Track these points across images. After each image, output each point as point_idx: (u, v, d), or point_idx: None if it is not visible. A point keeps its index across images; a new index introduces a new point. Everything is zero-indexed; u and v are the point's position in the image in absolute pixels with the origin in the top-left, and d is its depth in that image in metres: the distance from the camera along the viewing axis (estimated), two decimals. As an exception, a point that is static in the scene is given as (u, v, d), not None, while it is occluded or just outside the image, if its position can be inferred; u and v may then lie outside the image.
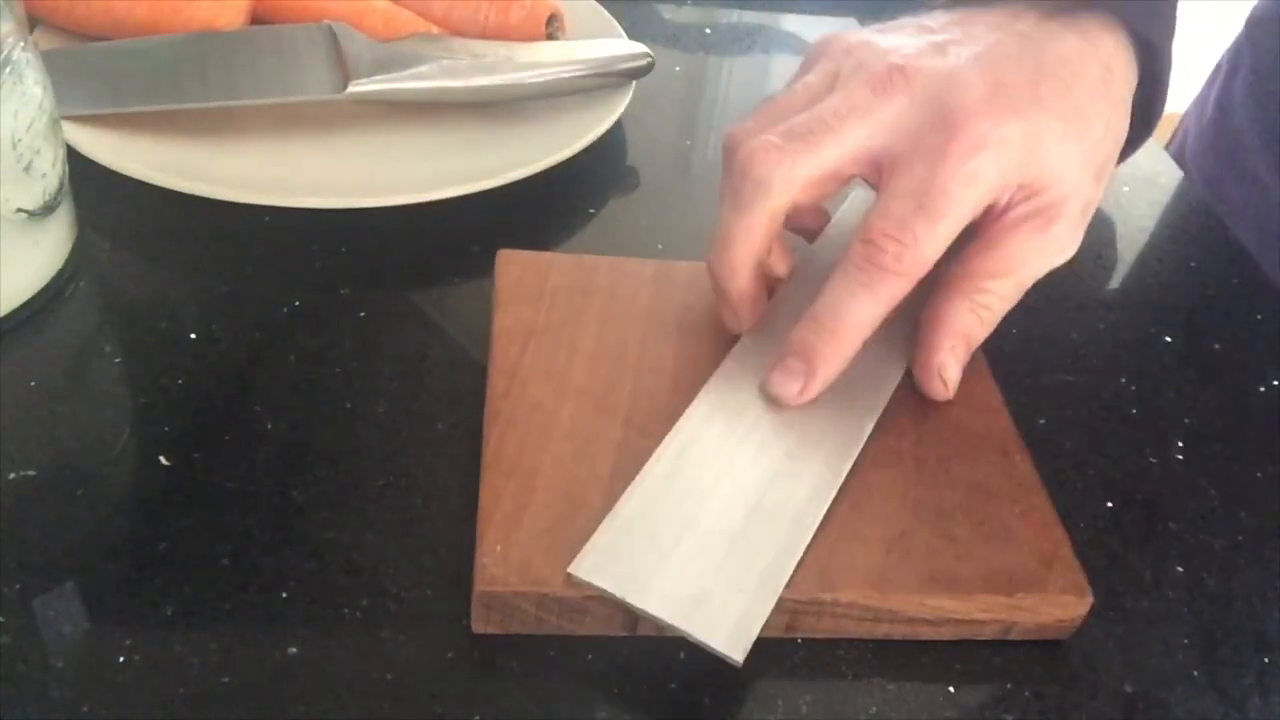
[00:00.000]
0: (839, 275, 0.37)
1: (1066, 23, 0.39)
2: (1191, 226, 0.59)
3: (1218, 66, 0.79)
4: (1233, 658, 0.37)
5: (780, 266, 0.42)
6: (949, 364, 0.40)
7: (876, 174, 0.38)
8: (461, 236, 0.50)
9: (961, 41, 0.39)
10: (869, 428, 0.39)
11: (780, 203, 0.38)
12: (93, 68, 0.51)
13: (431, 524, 0.37)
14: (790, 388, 0.38)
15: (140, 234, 0.48)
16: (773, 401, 0.39)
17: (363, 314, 0.45)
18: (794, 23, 0.75)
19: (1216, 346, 0.51)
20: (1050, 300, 0.52)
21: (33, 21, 0.53)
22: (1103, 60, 0.39)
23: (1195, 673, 0.36)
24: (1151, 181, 0.62)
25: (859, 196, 0.50)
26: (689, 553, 0.34)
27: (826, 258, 0.44)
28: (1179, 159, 0.77)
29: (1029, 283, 0.40)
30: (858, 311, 0.37)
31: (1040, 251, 0.39)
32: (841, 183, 0.39)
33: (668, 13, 0.73)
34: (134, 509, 0.36)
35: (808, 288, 0.41)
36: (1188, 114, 0.83)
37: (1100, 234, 0.57)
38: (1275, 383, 0.49)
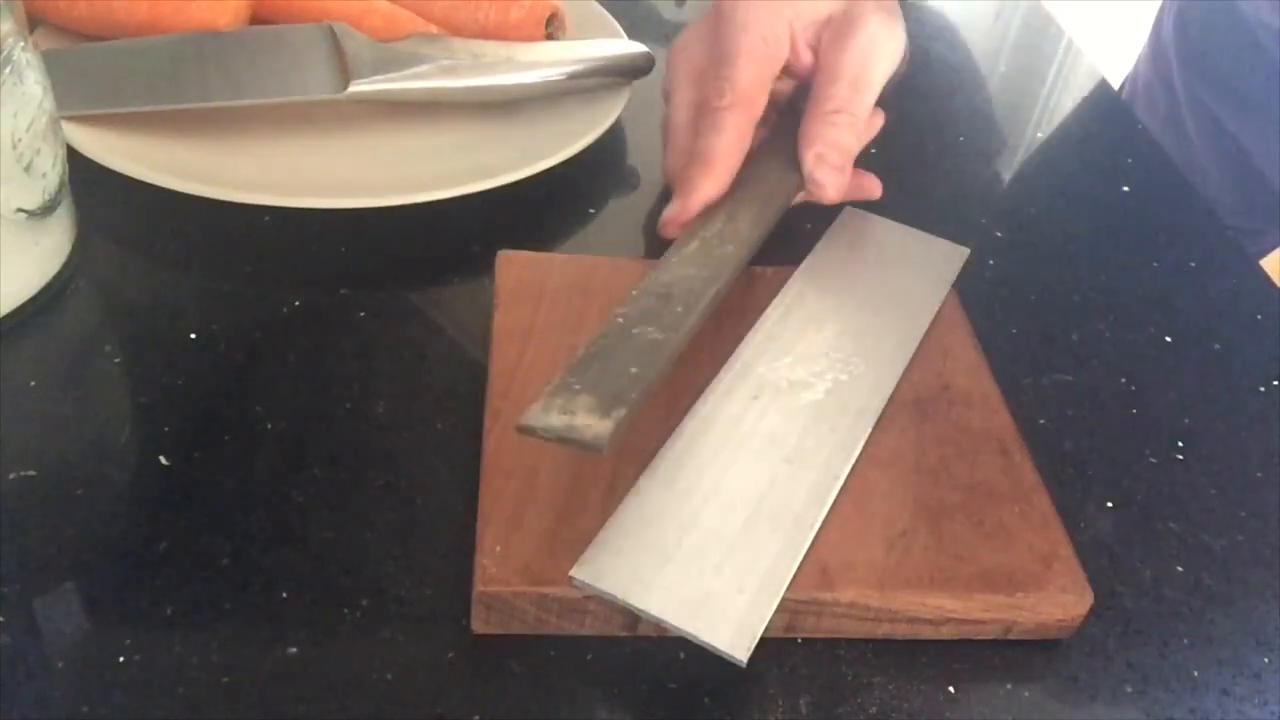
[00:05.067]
0: (700, 124, 0.47)
1: None
2: (1192, 227, 0.59)
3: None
4: (1233, 658, 0.37)
5: None
6: (819, 169, 0.48)
7: None
8: (461, 236, 0.50)
9: None
10: (868, 428, 0.39)
11: None
12: (93, 68, 0.51)
13: (431, 524, 0.37)
14: (672, 210, 0.46)
15: (140, 234, 0.48)
16: (661, 229, 0.46)
17: (363, 314, 0.45)
18: (794, 23, 0.75)
19: (1216, 346, 0.51)
20: (1050, 300, 0.52)
21: (33, 21, 0.53)
22: None
23: (1195, 673, 0.36)
24: (1151, 182, 0.62)
25: (851, 216, 0.50)
26: (691, 554, 0.34)
27: (820, 275, 0.45)
28: (1130, 99, 0.88)
29: (864, 86, 0.48)
30: (718, 145, 0.46)
31: (855, 53, 0.48)
32: None
33: (668, 13, 0.73)
34: (134, 509, 0.36)
35: (803, 305, 0.44)
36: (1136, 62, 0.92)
37: (1100, 234, 0.57)
38: (1275, 383, 0.49)
